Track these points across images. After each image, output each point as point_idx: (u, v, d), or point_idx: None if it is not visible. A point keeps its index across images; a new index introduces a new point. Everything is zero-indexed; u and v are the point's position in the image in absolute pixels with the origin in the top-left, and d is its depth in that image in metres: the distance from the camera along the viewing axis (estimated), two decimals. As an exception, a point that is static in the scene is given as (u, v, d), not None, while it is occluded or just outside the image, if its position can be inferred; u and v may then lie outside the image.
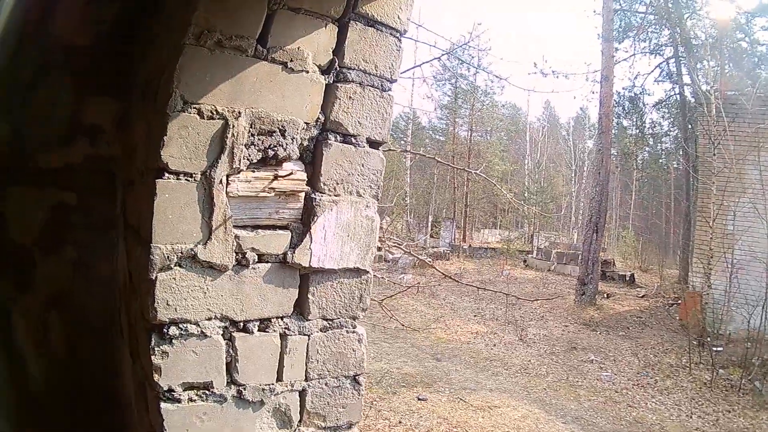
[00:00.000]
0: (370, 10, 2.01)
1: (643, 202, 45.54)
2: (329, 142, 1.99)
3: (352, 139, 2.04)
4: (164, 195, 1.76)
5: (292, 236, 1.97)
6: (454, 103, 43.74)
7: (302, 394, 2.07)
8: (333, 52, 1.98)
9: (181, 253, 1.80)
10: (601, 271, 22.20)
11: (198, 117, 1.78)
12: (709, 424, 10.24)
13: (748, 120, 15.96)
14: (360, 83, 2.03)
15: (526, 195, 39.11)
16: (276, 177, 1.90)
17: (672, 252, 34.49)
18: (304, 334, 2.04)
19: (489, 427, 9.27)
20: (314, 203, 1.97)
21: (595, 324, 17.61)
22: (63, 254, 2.70)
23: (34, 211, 2.63)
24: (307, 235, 1.97)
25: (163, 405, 1.82)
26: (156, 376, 1.80)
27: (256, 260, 1.92)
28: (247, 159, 1.86)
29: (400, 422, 9.18)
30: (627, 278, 25.08)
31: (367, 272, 2.15)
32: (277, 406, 2.02)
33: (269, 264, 1.95)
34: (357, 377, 2.19)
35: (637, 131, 32.08)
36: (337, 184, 2.02)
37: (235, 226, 1.87)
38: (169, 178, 1.77)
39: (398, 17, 2.08)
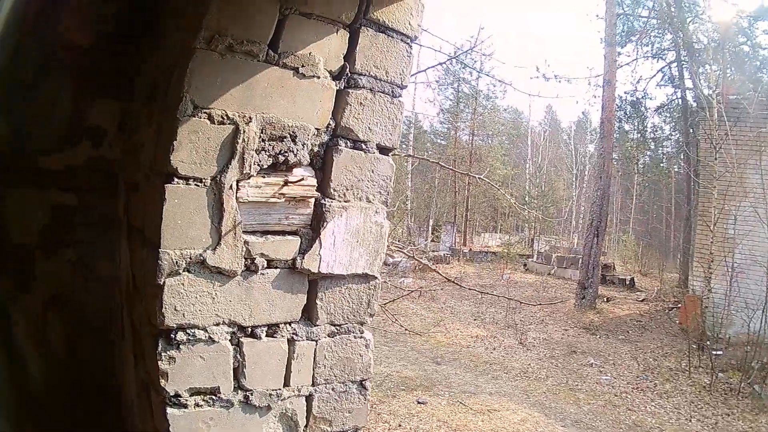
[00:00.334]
0: (382, 16, 2.01)
1: (643, 206, 45.57)
2: (339, 148, 1.99)
3: (363, 145, 2.04)
4: (173, 200, 1.76)
5: (301, 242, 1.97)
6: (456, 107, 43.69)
7: (309, 399, 2.07)
8: (344, 57, 1.98)
9: (190, 258, 1.80)
10: (601, 275, 22.17)
11: (208, 122, 1.78)
12: (709, 427, 10.21)
13: (750, 124, 15.93)
14: (371, 89, 2.03)
15: (527, 199, 39.00)
16: (286, 183, 1.89)
17: (672, 256, 34.47)
18: (312, 340, 2.04)
19: (488, 430, 9.24)
20: (324, 209, 1.97)
21: (595, 328, 17.56)
22: (63, 255, 2.69)
23: (35, 212, 2.63)
24: (317, 241, 1.97)
25: (169, 410, 1.82)
26: (162, 382, 1.79)
27: (265, 266, 1.91)
28: (258, 164, 1.85)
29: (399, 425, 9.15)
30: (627, 282, 25.04)
31: (376, 278, 2.15)
32: (284, 411, 2.02)
33: (278, 269, 1.94)
34: (363, 382, 2.19)
35: (639, 135, 32.02)
36: (347, 190, 2.01)
37: (244, 232, 1.86)
38: (178, 183, 1.76)
39: (409, 23, 2.08)
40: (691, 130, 25.86)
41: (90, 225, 2.73)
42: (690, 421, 10.49)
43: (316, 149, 1.97)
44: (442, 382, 11.66)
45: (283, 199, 1.90)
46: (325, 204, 1.97)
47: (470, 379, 12.17)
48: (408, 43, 2.10)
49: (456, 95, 43.61)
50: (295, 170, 1.92)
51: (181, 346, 1.81)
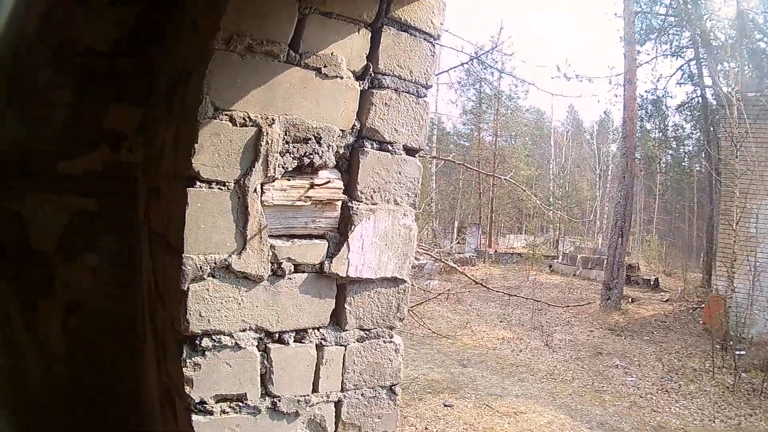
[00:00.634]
0: (403, 15, 1.97)
1: (666, 206, 45.23)
2: (365, 149, 1.95)
3: (389, 146, 2.00)
4: (196, 204, 1.73)
5: (328, 246, 1.93)
6: (479, 108, 43.56)
7: (338, 404, 2.03)
8: (367, 57, 1.95)
9: (215, 263, 1.77)
10: (626, 275, 21.97)
11: (230, 124, 1.75)
12: (732, 428, 10.11)
13: (770, 121, 15.75)
14: (395, 89, 1.99)
15: (551, 200, 38.88)
16: (312, 185, 1.86)
17: (696, 255, 34.14)
18: (341, 345, 2.00)
19: (515, 433, 9.21)
20: (351, 212, 1.93)
21: (620, 329, 17.42)
22: (83, 260, 2.68)
23: (54, 217, 2.63)
24: (345, 245, 1.94)
25: (194, 417, 1.79)
26: (187, 388, 1.76)
27: (292, 270, 1.88)
28: (282, 167, 1.82)
29: (426, 429, 9.12)
30: (651, 282, 24.80)
31: (405, 281, 2.11)
32: (312, 417, 1.98)
33: (305, 274, 1.91)
34: (393, 387, 2.15)
35: (660, 134, 31.76)
36: (374, 192, 1.98)
37: (270, 236, 1.83)
38: (201, 186, 1.73)
39: (431, 22, 2.04)
40: (711, 128, 25.59)
41: (110, 230, 2.72)
42: (713, 422, 10.39)
43: (341, 151, 1.93)
44: (469, 385, 11.63)
45: (309, 203, 1.87)
46: (352, 207, 1.94)
47: (496, 382, 12.11)
48: (431, 42, 2.06)
49: (478, 96, 43.51)
50: (320, 173, 1.89)
51: (206, 353, 1.78)
